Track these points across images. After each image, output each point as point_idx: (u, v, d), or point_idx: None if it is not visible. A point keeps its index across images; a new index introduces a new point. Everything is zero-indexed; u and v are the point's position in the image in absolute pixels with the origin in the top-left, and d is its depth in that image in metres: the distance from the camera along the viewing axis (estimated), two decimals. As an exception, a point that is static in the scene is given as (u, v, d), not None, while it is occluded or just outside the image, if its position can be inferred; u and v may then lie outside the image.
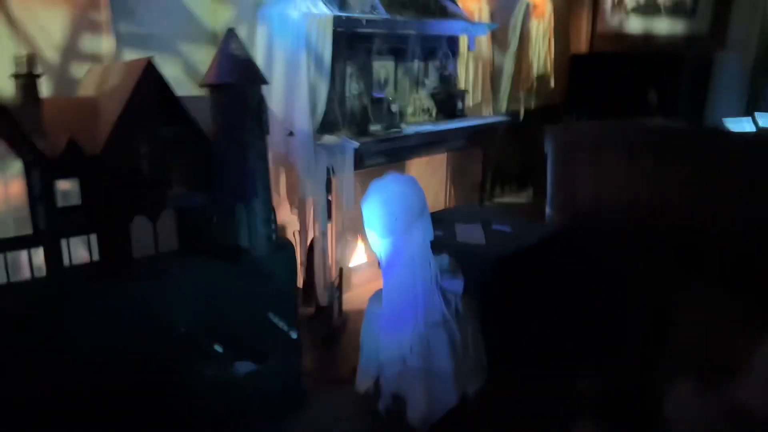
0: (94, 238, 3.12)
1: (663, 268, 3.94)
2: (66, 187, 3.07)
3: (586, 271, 4.18)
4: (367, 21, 4.68)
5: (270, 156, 4.43)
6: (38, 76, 3.16)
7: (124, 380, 2.88)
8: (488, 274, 3.93)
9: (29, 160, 2.82)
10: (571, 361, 3.32)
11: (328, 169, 4.34)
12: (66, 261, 3.01)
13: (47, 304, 2.83)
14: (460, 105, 5.97)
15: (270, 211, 3.64)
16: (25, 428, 2.68)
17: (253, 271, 3.50)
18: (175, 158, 3.40)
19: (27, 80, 3.12)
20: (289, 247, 3.81)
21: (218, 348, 2.99)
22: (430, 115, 5.77)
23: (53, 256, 2.92)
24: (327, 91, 4.47)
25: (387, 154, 5.02)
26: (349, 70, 4.88)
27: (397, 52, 5.40)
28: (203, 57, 4.78)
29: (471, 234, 4.48)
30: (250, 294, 3.45)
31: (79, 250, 3.11)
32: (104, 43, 4.16)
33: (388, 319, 3.18)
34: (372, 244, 3.30)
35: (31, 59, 3.17)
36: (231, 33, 3.50)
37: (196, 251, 3.47)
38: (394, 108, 5.22)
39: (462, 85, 6.46)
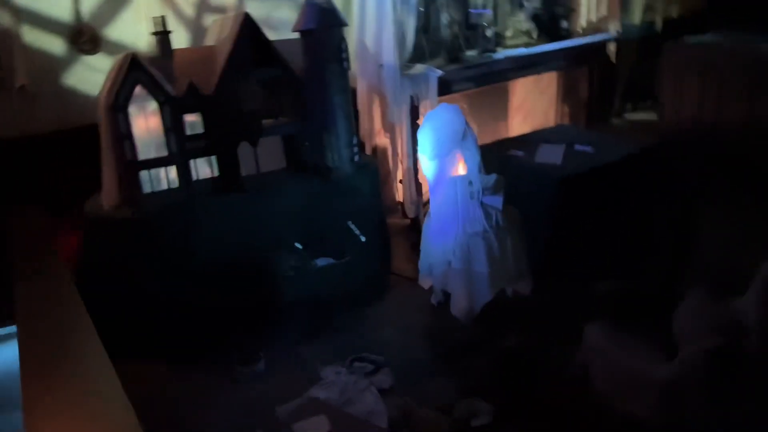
0: (214, 159, 4.09)
1: (715, 183, 3.97)
2: (192, 119, 4.02)
3: (647, 190, 4.32)
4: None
5: (364, 86, 5.09)
6: (170, 32, 4.10)
7: (234, 267, 3.86)
8: (554, 191, 4.29)
9: (161, 100, 3.78)
10: (605, 267, 3.63)
11: (412, 97, 4.87)
12: (194, 176, 4.01)
13: (180, 208, 3.85)
14: (564, 24, 6.01)
15: (351, 136, 4.33)
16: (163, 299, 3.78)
17: (337, 186, 4.26)
18: (273, 95, 4.21)
19: (162, 37, 4.08)
20: (371, 167, 4.50)
21: (298, 245, 3.84)
22: (530, 37, 5.92)
23: (184, 172, 3.93)
24: (415, 23, 4.93)
25: (476, 79, 5.38)
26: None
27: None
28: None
29: (549, 154, 4.79)
30: (335, 205, 4.23)
31: (203, 168, 4.10)
32: (227, -2, 5.02)
33: (435, 229, 3.77)
34: (422, 167, 3.86)
35: (164, 20, 4.11)
36: (317, -17, 4.11)
37: (295, 170, 4.31)
38: (489, 33, 5.51)
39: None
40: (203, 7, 4.93)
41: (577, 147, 4.92)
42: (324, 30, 4.07)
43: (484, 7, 5.65)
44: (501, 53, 5.47)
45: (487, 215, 3.65)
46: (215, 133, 4.00)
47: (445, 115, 3.68)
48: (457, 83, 5.23)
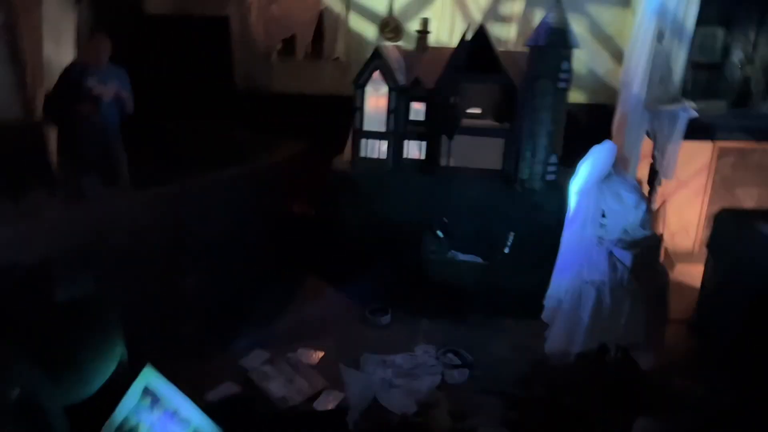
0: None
1: None
2: (419, 107, 4.71)
3: None
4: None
5: (618, 114, 4.88)
6: (428, 32, 4.84)
7: (400, 236, 4.50)
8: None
9: (390, 86, 4.58)
10: None
11: (649, 134, 4.48)
12: (405, 154, 4.74)
13: (377, 174, 4.65)
14: None
15: (549, 154, 4.36)
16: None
17: (521, 197, 4.41)
18: (492, 100, 4.57)
19: (421, 36, 4.85)
20: (559, 191, 4.45)
21: (440, 233, 4.21)
22: None
23: (393, 148, 4.70)
24: (686, 56, 4.47)
25: (756, 132, 4.52)
26: (736, 36, 4.55)
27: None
28: (611, 18, 5.38)
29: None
30: (512, 214, 4.41)
31: (414, 150, 4.78)
32: (516, 6, 5.41)
33: (559, 265, 3.60)
34: (570, 199, 3.68)
35: (426, 21, 4.87)
36: (556, 3, 4.24)
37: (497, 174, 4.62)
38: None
39: None
40: (490, 15, 5.46)
41: None
42: (548, 48, 4.20)
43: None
44: None
45: (613, 267, 3.34)
46: (429, 122, 4.64)
47: (600, 152, 3.46)
48: (722, 130, 4.52)
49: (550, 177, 4.44)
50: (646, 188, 4.94)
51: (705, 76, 4.82)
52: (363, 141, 4.76)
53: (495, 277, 4.30)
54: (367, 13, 5.69)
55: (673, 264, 5.30)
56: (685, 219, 5.43)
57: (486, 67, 4.42)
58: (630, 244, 3.36)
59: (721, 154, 5.36)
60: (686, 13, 4.35)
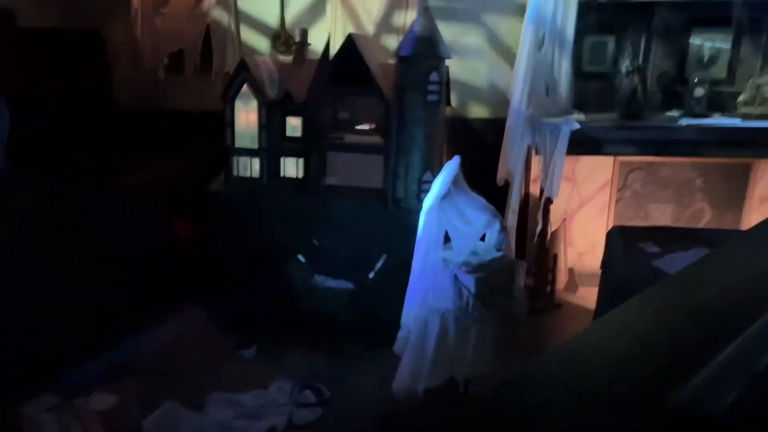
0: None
1: None
2: (294, 123, 4.44)
3: None
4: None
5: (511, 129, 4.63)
6: (307, 44, 4.59)
7: (268, 259, 4.20)
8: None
9: (260, 101, 4.30)
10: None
11: (530, 148, 4.22)
12: (282, 173, 4.45)
13: (257, 197, 4.35)
14: None
15: (423, 172, 4.08)
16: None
17: (394, 217, 4.12)
18: (369, 113, 4.30)
19: (298, 47, 4.59)
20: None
21: (302, 258, 3.91)
22: (780, 107, 4.32)
23: (265, 166, 4.40)
24: (569, 67, 4.23)
25: (645, 145, 4.28)
26: (623, 44, 4.32)
27: (733, 20, 4.28)
28: (508, 28, 5.16)
29: (675, 264, 3.61)
30: (388, 236, 4.12)
31: (291, 168, 4.49)
32: (408, 17, 5.17)
33: (408, 292, 3.30)
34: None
35: (304, 33, 4.61)
36: (423, 11, 3.99)
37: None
38: (699, 92, 4.28)
39: None
40: (383, 26, 5.22)
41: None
42: (414, 58, 3.94)
43: (712, 58, 4.39)
44: (711, 119, 4.20)
45: (458, 293, 3.04)
46: (304, 138, 4.35)
47: (446, 168, 3.19)
48: (613, 144, 4.27)
49: (423, 195, 4.15)
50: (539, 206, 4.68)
51: (598, 87, 4.57)
52: (235, 159, 4.47)
53: (364, 304, 3.99)
54: (259, 26, 5.44)
55: (576, 286, 5.03)
56: (591, 238, 5.16)
57: (357, 79, 4.16)
58: (476, 268, 3.06)
59: (631, 168, 5.13)
60: (566, 20, 4.12)
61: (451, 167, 3.22)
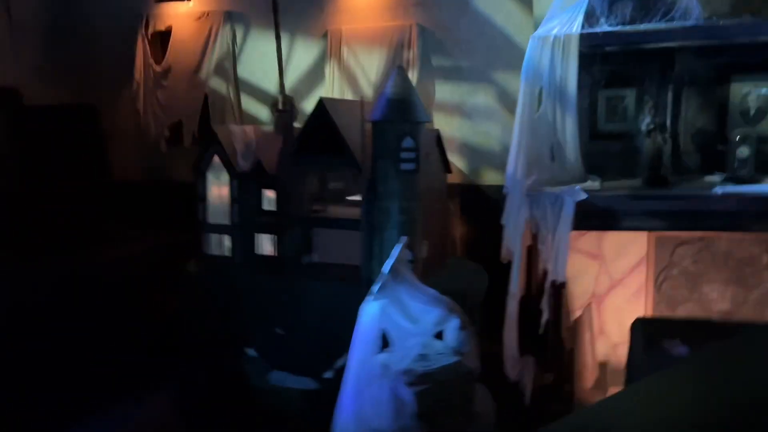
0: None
1: None
2: (271, 195, 4.06)
3: None
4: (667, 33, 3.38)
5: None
6: (286, 111, 4.25)
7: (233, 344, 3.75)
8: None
9: (231, 173, 3.97)
10: None
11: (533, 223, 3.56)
12: (256, 250, 4.05)
13: (227, 278, 3.97)
14: None
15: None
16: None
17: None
18: (337, 181, 3.85)
19: (278, 115, 4.26)
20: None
21: (252, 352, 3.39)
22: None
23: (241, 244, 4.02)
24: (575, 125, 3.60)
25: (673, 218, 3.51)
26: (643, 98, 3.65)
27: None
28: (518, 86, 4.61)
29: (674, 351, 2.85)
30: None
31: (267, 245, 4.08)
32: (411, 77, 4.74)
33: (339, 406, 2.66)
34: None
35: (285, 100, 4.30)
36: (397, 71, 3.55)
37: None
38: (745, 152, 3.51)
39: None
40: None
41: None
42: (385, 123, 3.48)
43: (761, 110, 3.62)
44: (759, 186, 3.41)
45: (398, 409, 2.42)
46: (279, 212, 3.95)
47: (392, 252, 2.62)
48: (632, 217, 3.54)
49: (403, 275, 3.58)
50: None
51: (618, 148, 3.88)
52: (207, 236, 4.13)
53: (328, 407, 3.41)
54: (258, 94, 5.21)
55: (606, 385, 4.19)
56: (627, 326, 4.34)
57: (330, 147, 3.74)
58: (420, 378, 2.44)
59: (678, 242, 4.32)
60: (566, 73, 3.51)
61: (393, 253, 2.67)
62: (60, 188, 5.01)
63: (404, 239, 2.78)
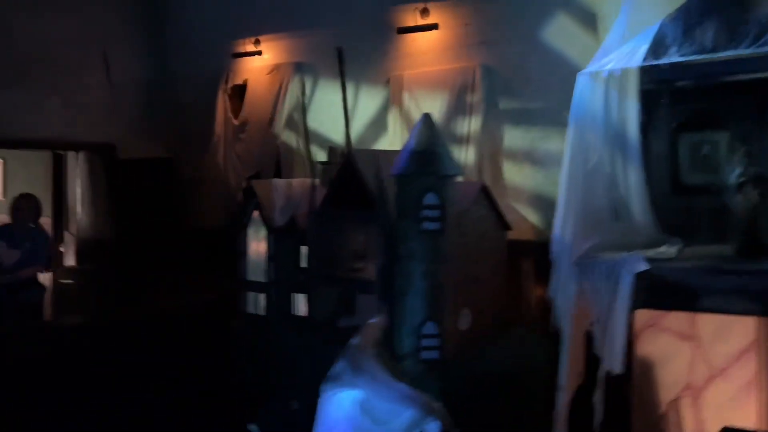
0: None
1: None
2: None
3: None
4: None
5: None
6: (331, 163, 4.03)
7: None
8: None
9: (268, 228, 3.81)
10: None
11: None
12: (293, 310, 3.82)
13: (259, 339, 3.79)
14: None
15: (423, 322, 3.05)
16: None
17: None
18: (361, 235, 3.52)
19: (325, 167, 4.05)
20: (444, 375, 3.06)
21: (255, 429, 3.06)
22: None
23: (277, 303, 3.81)
24: (642, 180, 2.93)
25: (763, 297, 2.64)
26: (732, 143, 2.87)
27: None
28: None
29: None
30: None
31: (302, 305, 3.83)
32: (473, 124, 4.29)
33: None
34: None
35: (333, 151, 4.09)
36: (423, 119, 3.16)
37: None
38: None
39: None
40: (446, 136, 4.40)
41: None
42: (407, 177, 3.09)
43: None
44: None
45: None
46: (309, 270, 3.70)
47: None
48: (715, 297, 2.74)
49: (429, 355, 3.09)
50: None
51: (709, 205, 3.08)
52: (247, 294, 3.99)
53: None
54: (327, 144, 5.06)
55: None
56: (732, 423, 3.41)
57: (356, 201, 3.43)
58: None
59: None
60: (624, 113, 2.86)
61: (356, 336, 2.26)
62: (145, 235, 5.26)
63: (378, 317, 2.36)
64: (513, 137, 4.26)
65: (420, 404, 2.18)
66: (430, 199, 3.06)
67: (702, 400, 3.43)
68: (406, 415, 2.13)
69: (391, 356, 3.15)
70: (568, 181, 3.00)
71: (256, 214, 3.89)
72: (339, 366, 2.22)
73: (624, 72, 2.86)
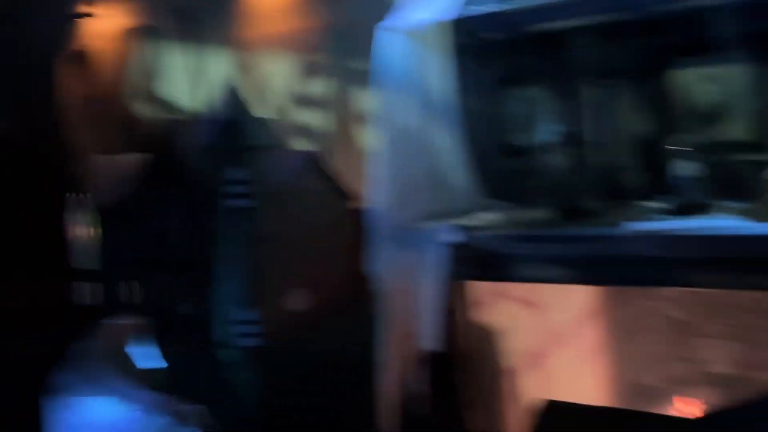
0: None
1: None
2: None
3: None
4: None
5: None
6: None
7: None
8: None
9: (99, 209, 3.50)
10: None
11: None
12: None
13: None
14: None
15: (242, 309, 2.84)
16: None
17: (212, 367, 2.93)
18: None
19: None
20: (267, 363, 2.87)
21: None
22: None
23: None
24: (450, 141, 2.75)
25: (575, 266, 2.51)
26: (542, 96, 2.70)
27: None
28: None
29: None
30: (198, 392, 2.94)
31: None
32: (322, 86, 4.03)
33: None
34: None
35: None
36: (227, 86, 2.90)
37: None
38: (686, 168, 2.48)
39: None
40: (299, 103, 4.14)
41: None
42: (210, 150, 2.84)
43: (716, 107, 2.56)
44: (708, 220, 2.35)
45: None
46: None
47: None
48: (522, 265, 2.59)
49: (247, 342, 2.89)
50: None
51: (530, 166, 2.91)
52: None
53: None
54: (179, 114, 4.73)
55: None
56: (573, 390, 3.35)
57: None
58: None
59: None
60: (433, 71, 2.64)
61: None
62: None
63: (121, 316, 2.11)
64: (366, 100, 4.02)
65: (171, 412, 1.96)
66: (234, 173, 2.82)
67: (543, 368, 3.35)
68: (154, 425, 1.91)
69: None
70: (379, 146, 2.78)
71: (85, 195, 3.57)
72: (67, 376, 1.97)
73: (430, 25, 2.63)
